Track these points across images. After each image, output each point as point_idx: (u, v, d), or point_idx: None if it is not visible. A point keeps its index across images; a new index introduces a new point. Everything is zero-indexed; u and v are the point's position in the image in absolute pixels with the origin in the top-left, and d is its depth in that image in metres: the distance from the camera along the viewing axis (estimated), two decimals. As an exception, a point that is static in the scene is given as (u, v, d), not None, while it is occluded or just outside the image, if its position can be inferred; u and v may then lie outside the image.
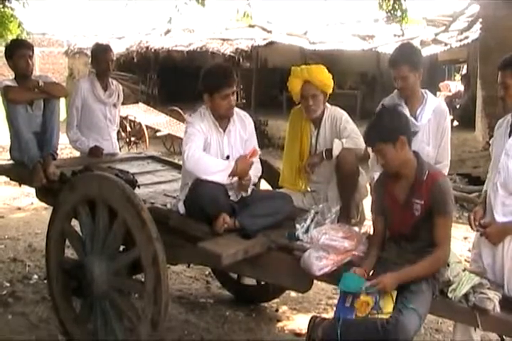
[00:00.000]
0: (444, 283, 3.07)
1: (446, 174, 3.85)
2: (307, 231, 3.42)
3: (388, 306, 2.93)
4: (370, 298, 2.96)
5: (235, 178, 3.62)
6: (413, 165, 3.09)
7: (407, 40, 11.97)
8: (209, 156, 3.59)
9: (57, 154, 4.64)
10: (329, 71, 4.22)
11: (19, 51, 4.48)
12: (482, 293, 3.01)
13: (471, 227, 3.38)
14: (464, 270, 3.18)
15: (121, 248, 3.65)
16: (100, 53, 5.13)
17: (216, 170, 3.48)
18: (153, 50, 15.84)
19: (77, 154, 5.51)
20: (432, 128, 3.84)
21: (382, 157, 3.10)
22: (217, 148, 3.73)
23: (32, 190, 5.12)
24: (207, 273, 5.33)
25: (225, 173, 3.51)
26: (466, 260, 4.63)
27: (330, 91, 4.20)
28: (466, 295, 3.02)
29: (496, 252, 3.28)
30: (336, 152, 4.05)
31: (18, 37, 9.36)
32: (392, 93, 4.04)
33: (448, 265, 3.12)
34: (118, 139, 5.54)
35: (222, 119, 3.75)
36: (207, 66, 3.87)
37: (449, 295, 3.03)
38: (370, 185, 4.00)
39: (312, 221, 3.49)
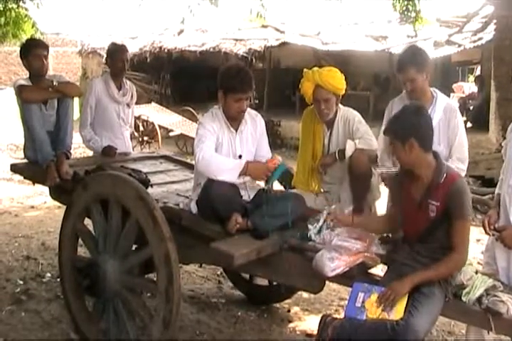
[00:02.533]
0: (457, 287, 3.05)
1: (465, 169, 3.86)
2: (319, 231, 3.41)
3: (400, 309, 2.92)
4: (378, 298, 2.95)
5: (247, 178, 3.62)
6: (430, 167, 3.06)
7: (420, 42, 11.97)
8: (220, 156, 3.59)
9: (70, 153, 4.66)
10: (342, 72, 4.20)
11: (35, 51, 4.50)
12: (495, 295, 2.98)
13: (486, 232, 3.35)
14: (476, 272, 3.17)
15: (134, 247, 3.66)
16: (116, 53, 5.14)
17: (226, 169, 3.48)
18: (166, 50, 15.90)
19: (91, 153, 5.53)
20: (442, 127, 3.83)
21: (393, 151, 3.14)
22: (229, 147, 3.73)
23: (45, 189, 5.16)
24: (219, 273, 5.34)
25: (236, 172, 3.50)
26: (478, 262, 4.61)
27: (342, 93, 4.19)
28: (479, 298, 2.99)
29: (510, 255, 3.25)
30: (348, 153, 4.05)
31: (32, 37, 9.40)
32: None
33: (459, 268, 3.11)
34: (131, 139, 5.55)
35: (234, 119, 3.75)
36: (229, 64, 3.87)
37: (463, 298, 3.01)
38: (381, 175, 3.99)
39: (324, 221, 3.48)
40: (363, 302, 2.99)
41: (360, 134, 4.13)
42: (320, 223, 3.46)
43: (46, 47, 4.61)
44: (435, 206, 3.03)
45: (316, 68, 4.19)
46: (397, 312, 2.90)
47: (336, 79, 4.11)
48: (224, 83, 3.63)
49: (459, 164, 3.79)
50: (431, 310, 2.91)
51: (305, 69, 4.22)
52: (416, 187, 3.13)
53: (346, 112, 4.25)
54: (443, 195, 3.00)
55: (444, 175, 3.03)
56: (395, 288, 2.93)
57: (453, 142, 3.86)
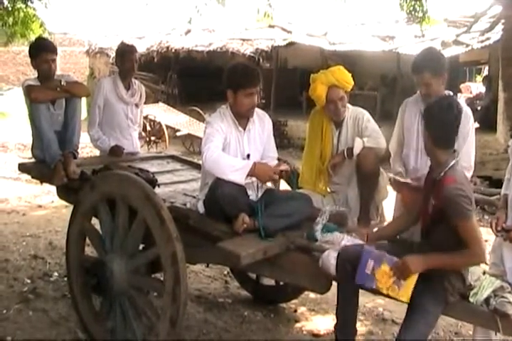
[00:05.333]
0: (465, 287, 3.04)
1: (469, 177, 3.82)
2: (323, 231, 3.43)
3: (408, 289, 2.92)
4: (389, 270, 2.95)
5: (254, 178, 3.62)
6: (439, 163, 3.09)
7: (428, 42, 11.94)
8: (227, 156, 3.58)
9: (78, 153, 4.67)
10: (349, 72, 4.21)
11: (43, 55, 4.49)
12: (503, 297, 2.97)
13: (494, 233, 3.34)
14: (483, 273, 3.16)
15: (141, 246, 3.67)
16: (126, 53, 5.15)
17: (234, 170, 3.47)
18: (173, 49, 15.92)
19: (98, 153, 5.54)
20: None
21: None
22: (236, 147, 3.73)
23: (53, 188, 5.16)
24: (225, 272, 5.35)
25: (243, 172, 3.48)
26: (486, 263, 4.59)
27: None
28: (486, 299, 2.99)
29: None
30: (356, 150, 4.05)
31: (40, 36, 9.41)
32: (414, 93, 4.03)
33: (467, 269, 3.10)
34: (138, 138, 5.56)
35: (242, 118, 3.75)
36: (233, 63, 3.87)
37: (471, 299, 3.00)
38: (390, 180, 3.98)
39: (326, 221, 3.50)
40: (373, 270, 2.99)
41: (369, 132, 4.13)
42: (322, 222, 3.46)
43: (55, 50, 4.59)
44: (432, 204, 3.06)
45: (323, 70, 4.19)
46: (405, 292, 2.92)
47: (348, 76, 4.15)
48: (232, 81, 3.63)
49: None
50: (426, 325, 2.96)
51: (312, 75, 4.21)
52: (428, 179, 3.19)
53: (355, 111, 4.25)
54: (439, 194, 3.00)
55: (442, 174, 3.03)
56: (408, 261, 2.93)
57: (460, 149, 3.83)
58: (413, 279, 2.92)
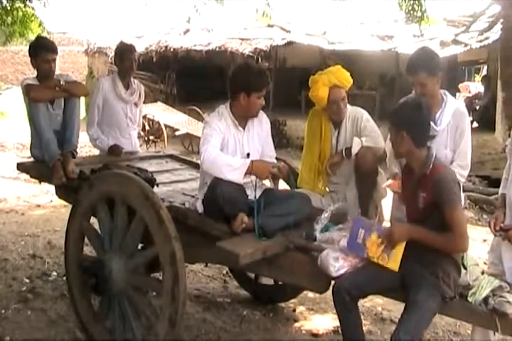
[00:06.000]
0: (463, 287, 3.05)
1: (466, 175, 3.83)
2: (323, 230, 3.43)
3: (397, 257, 2.99)
4: (377, 238, 3.05)
5: (253, 177, 3.62)
6: (420, 160, 3.11)
7: (427, 42, 11.94)
8: (225, 156, 3.59)
9: (76, 152, 4.67)
10: (348, 72, 4.21)
11: (44, 55, 4.48)
12: (502, 296, 2.98)
13: (492, 232, 3.35)
14: (482, 273, 3.16)
15: (140, 246, 3.66)
16: (125, 52, 5.15)
17: (231, 169, 3.48)
18: (172, 49, 15.91)
19: (97, 152, 5.54)
20: (450, 131, 3.81)
21: (390, 137, 3.25)
22: (236, 146, 3.73)
23: (51, 188, 5.16)
24: (224, 272, 5.34)
25: (241, 171, 3.49)
26: (485, 262, 4.60)
27: None
28: (485, 299, 2.99)
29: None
30: (354, 150, 4.05)
31: (40, 35, 9.40)
32: (410, 94, 4.02)
33: (465, 268, 3.10)
34: (138, 138, 5.56)
35: (242, 118, 3.75)
36: (239, 65, 3.87)
37: (469, 299, 3.01)
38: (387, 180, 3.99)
39: (328, 220, 3.50)
40: (363, 239, 3.10)
41: (368, 132, 4.13)
42: (324, 222, 3.47)
43: (55, 50, 4.58)
44: (422, 197, 3.07)
45: (323, 71, 4.18)
46: (394, 261, 2.99)
47: (347, 75, 4.16)
48: (246, 84, 3.62)
49: (460, 170, 3.75)
50: (420, 321, 2.95)
51: (312, 77, 4.20)
52: (410, 179, 3.20)
53: (354, 111, 4.25)
54: (429, 186, 3.03)
55: (431, 166, 3.05)
56: (394, 229, 3.03)
57: (457, 148, 3.84)
58: (401, 248, 2.99)
